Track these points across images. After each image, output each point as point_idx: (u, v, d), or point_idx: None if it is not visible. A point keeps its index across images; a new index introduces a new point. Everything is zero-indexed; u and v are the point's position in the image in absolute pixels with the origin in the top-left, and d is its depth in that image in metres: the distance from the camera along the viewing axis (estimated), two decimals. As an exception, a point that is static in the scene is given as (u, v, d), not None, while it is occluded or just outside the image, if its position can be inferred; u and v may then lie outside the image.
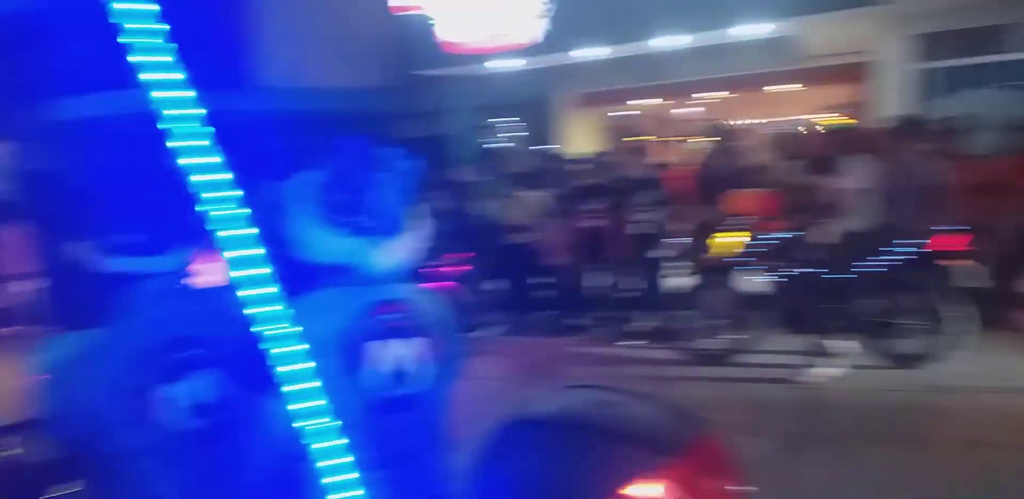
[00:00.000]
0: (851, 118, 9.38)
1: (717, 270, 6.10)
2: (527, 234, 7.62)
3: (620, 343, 6.90)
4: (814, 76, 10.60)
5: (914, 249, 5.54)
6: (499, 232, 7.79)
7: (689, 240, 7.03)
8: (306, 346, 1.44)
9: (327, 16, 10.16)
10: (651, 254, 6.89)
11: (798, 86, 11.00)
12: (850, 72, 9.79)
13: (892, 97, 8.29)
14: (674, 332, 6.23)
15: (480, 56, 9.61)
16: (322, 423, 1.44)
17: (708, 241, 6.37)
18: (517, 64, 10.00)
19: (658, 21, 8.59)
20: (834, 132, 6.42)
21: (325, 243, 1.71)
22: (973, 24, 7.97)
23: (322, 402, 1.44)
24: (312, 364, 1.44)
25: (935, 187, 5.69)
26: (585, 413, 1.83)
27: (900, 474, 3.89)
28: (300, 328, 1.44)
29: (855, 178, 5.58)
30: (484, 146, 11.75)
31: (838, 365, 5.57)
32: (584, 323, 7.37)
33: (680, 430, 1.79)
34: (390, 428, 1.73)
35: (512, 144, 11.73)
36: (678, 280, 6.67)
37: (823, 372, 5.50)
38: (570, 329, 7.38)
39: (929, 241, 5.55)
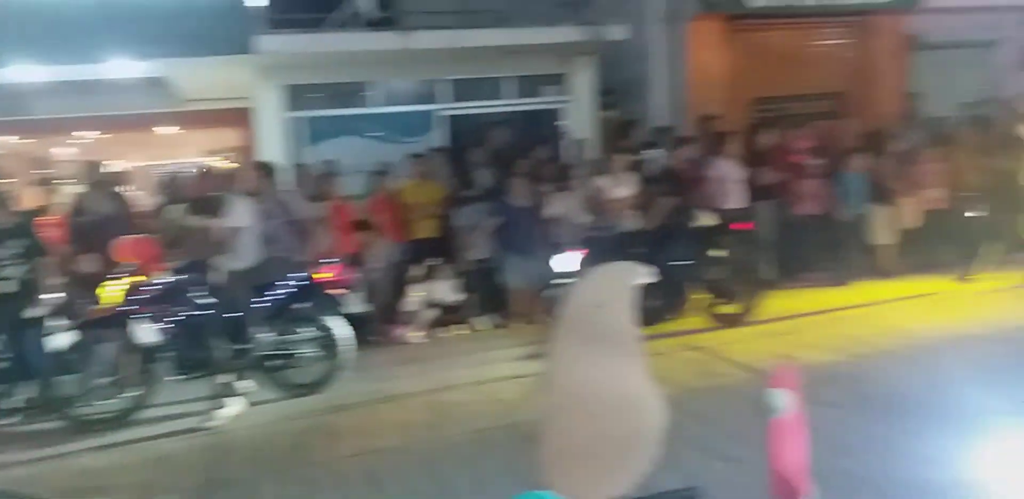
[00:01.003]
0: (236, 161, 9.66)
1: (107, 323, 5.55)
2: None
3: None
4: (199, 119, 10.66)
5: (300, 282, 5.91)
6: None
7: (72, 293, 6.28)
8: None
9: None
10: (25, 314, 5.90)
11: (184, 128, 10.92)
12: (233, 117, 10.11)
13: (272, 142, 8.79)
14: (58, 401, 5.43)
15: None
16: None
17: (97, 292, 5.77)
18: None
19: (7, 49, 7.52)
20: (216, 174, 6.51)
21: None
22: (335, 80, 8.99)
23: None
24: None
25: (311, 224, 6.20)
26: None
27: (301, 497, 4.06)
28: None
29: (238, 218, 5.70)
30: None
31: (242, 404, 5.58)
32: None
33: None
34: None
35: None
36: (62, 340, 5.85)
37: (228, 413, 5.43)
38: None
39: (313, 273, 6.00)
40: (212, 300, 5.58)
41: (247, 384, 5.74)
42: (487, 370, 6.09)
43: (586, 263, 6.39)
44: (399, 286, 7.37)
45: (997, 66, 10.58)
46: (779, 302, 7.32)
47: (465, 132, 9.21)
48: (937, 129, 8.82)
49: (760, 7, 9.44)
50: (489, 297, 7.60)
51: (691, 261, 6.74)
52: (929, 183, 7.90)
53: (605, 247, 6.47)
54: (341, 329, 5.90)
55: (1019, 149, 7.49)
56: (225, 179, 6.45)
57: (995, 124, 8.46)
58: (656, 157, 8.12)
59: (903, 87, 9.97)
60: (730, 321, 6.82)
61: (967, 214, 7.69)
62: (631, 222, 7.11)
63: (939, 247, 8.05)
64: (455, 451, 4.50)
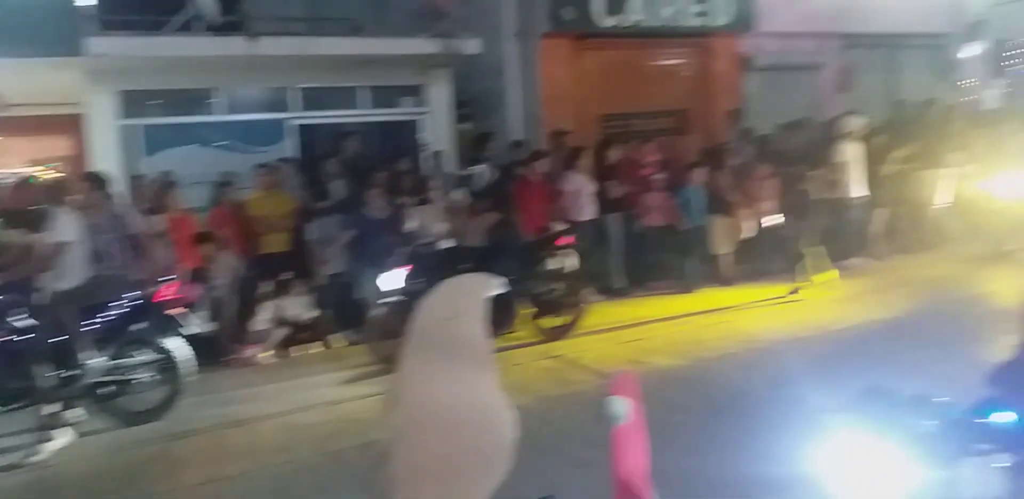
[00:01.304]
0: (64, 172, 8.92)
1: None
2: None
3: None
4: (22, 126, 9.78)
5: (135, 301, 5.49)
6: None
7: None
8: None
9: None
10: None
11: (4, 135, 9.99)
12: (62, 124, 9.34)
13: (105, 152, 8.16)
14: None
15: None
16: None
17: None
18: None
19: None
20: (37, 185, 5.93)
21: None
22: (176, 86, 8.47)
23: None
24: None
25: (147, 239, 5.79)
26: None
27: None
28: None
29: (62, 232, 5.23)
30: None
31: (70, 436, 5.10)
32: None
33: None
34: None
35: None
36: None
37: (55, 447, 4.95)
38: None
39: (149, 292, 5.59)
40: (33, 323, 5.07)
41: (76, 413, 5.26)
42: (343, 389, 5.90)
43: (410, 279, 6.32)
44: (247, 303, 7.01)
45: (818, 88, 11.54)
46: (629, 310, 7.59)
47: (318, 142, 8.95)
48: (764, 146, 9.49)
49: (608, 27, 9.80)
50: (345, 313, 7.38)
51: (517, 276, 6.76)
52: (762, 196, 8.46)
53: (431, 263, 6.43)
54: (181, 351, 5.52)
55: (817, 165, 8.25)
56: (49, 190, 5.90)
57: (800, 141, 9.25)
58: (482, 172, 8.20)
59: (737, 105, 10.65)
60: (555, 334, 6.85)
61: (770, 225, 8.30)
62: (459, 238, 7.12)
63: (770, 256, 8.63)
64: (308, 474, 4.31)
